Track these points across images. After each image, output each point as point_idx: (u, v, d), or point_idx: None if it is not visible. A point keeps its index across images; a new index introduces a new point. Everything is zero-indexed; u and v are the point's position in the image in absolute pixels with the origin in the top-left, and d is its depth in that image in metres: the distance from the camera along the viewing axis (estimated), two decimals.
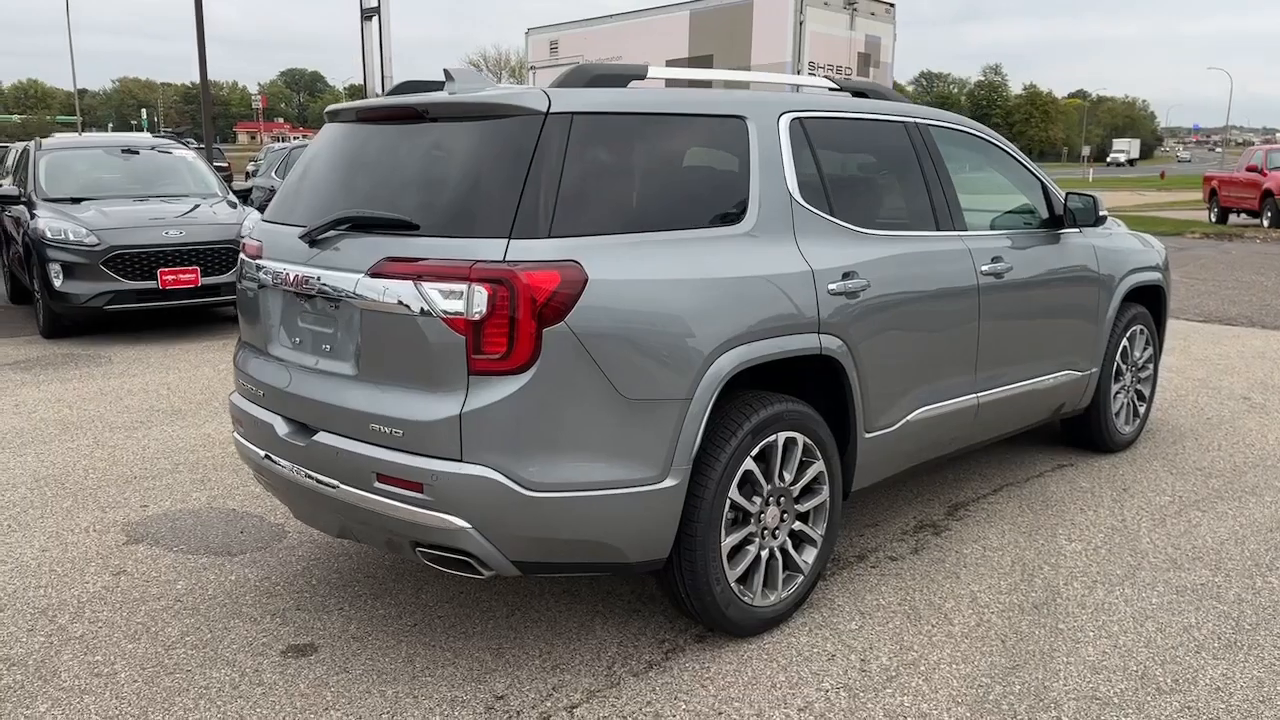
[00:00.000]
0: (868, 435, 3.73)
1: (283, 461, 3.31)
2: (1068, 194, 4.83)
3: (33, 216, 9.02)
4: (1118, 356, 5.30)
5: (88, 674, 3.24)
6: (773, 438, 3.34)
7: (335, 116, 3.62)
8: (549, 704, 3.04)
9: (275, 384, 3.36)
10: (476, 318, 2.78)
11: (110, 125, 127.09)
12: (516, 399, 2.81)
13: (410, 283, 2.87)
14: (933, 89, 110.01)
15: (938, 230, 4.13)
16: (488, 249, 2.81)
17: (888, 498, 4.81)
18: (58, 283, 8.59)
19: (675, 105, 3.33)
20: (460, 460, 2.84)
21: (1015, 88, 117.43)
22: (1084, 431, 5.44)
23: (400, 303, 2.89)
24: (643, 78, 3.44)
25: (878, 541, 4.28)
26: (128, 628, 3.56)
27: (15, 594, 3.84)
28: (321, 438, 3.14)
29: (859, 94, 4.26)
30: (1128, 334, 5.34)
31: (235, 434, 3.70)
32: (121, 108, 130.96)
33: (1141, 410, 5.67)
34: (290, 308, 3.34)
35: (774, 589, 3.46)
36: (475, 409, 2.81)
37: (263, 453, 3.43)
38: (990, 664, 3.26)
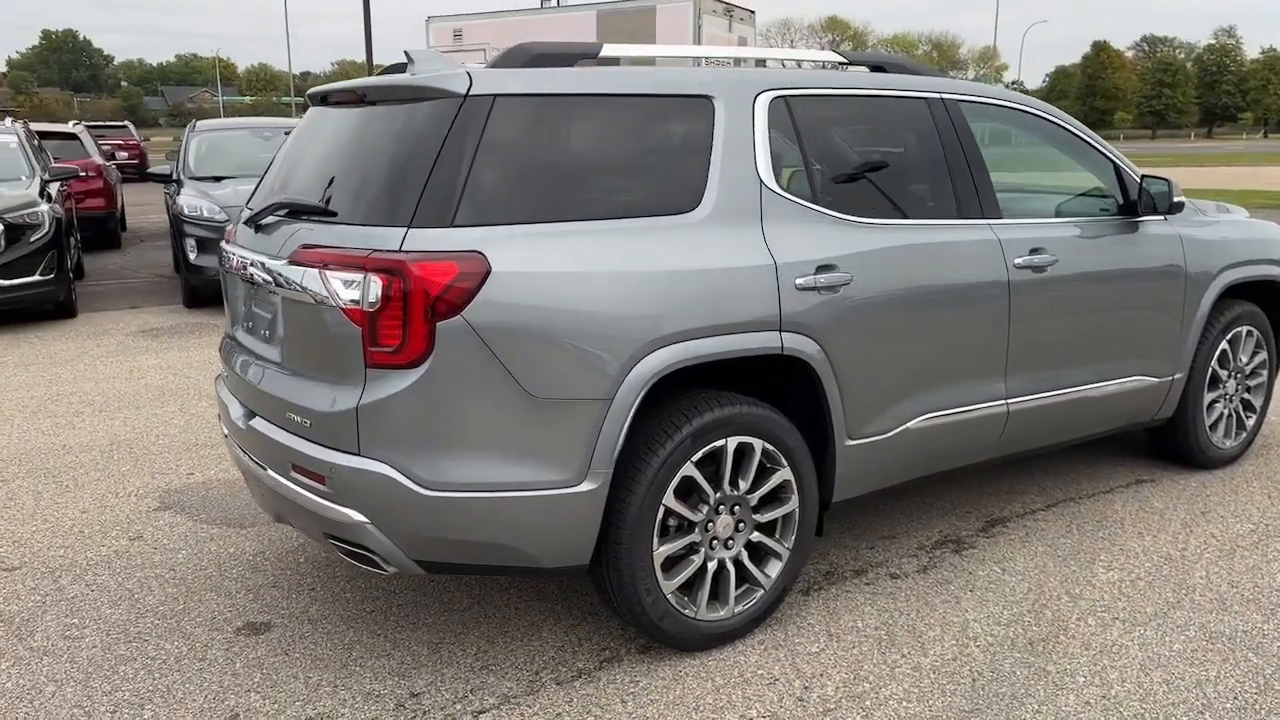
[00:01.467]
0: (851, 442, 3.43)
1: (235, 444, 3.36)
2: (1143, 177, 4.27)
3: (177, 194, 9.67)
4: (1213, 361, 4.68)
5: (58, 636, 3.41)
6: (721, 442, 3.11)
7: (311, 99, 3.62)
8: (459, 706, 2.95)
9: (233, 367, 3.41)
10: (371, 309, 2.70)
11: None
12: (410, 394, 2.72)
13: (317, 271, 2.82)
14: (1156, 53, 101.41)
15: (960, 219, 3.74)
16: (386, 238, 2.73)
17: (918, 508, 4.44)
18: (192, 256, 9.18)
19: (625, 85, 3.13)
20: (358, 454, 2.78)
21: (1251, 51, 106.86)
22: (1171, 444, 4.84)
23: (309, 291, 2.85)
24: (594, 56, 3.25)
25: (885, 556, 3.95)
26: (115, 593, 3.72)
27: (38, 552, 4.10)
28: (255, 423, 3.16)
29: (877, 68, 3.90)
30: (1229, 335, 4.71)
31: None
32: None
33: (1249, 423, 4.99)
34: (245, 293, 3.38)
35: (724, 603, 3.24)
36: (370, 402, 2.74)
37: (225, 433, 3.49)
38: (946, 705, 2.93)
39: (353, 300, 2.73)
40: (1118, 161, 4.34)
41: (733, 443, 3.14)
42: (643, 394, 2.90)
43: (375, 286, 2.69)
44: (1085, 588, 3.66)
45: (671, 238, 3.03)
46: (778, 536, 3.36)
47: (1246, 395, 4.97)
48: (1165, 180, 4.25)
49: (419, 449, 2.75)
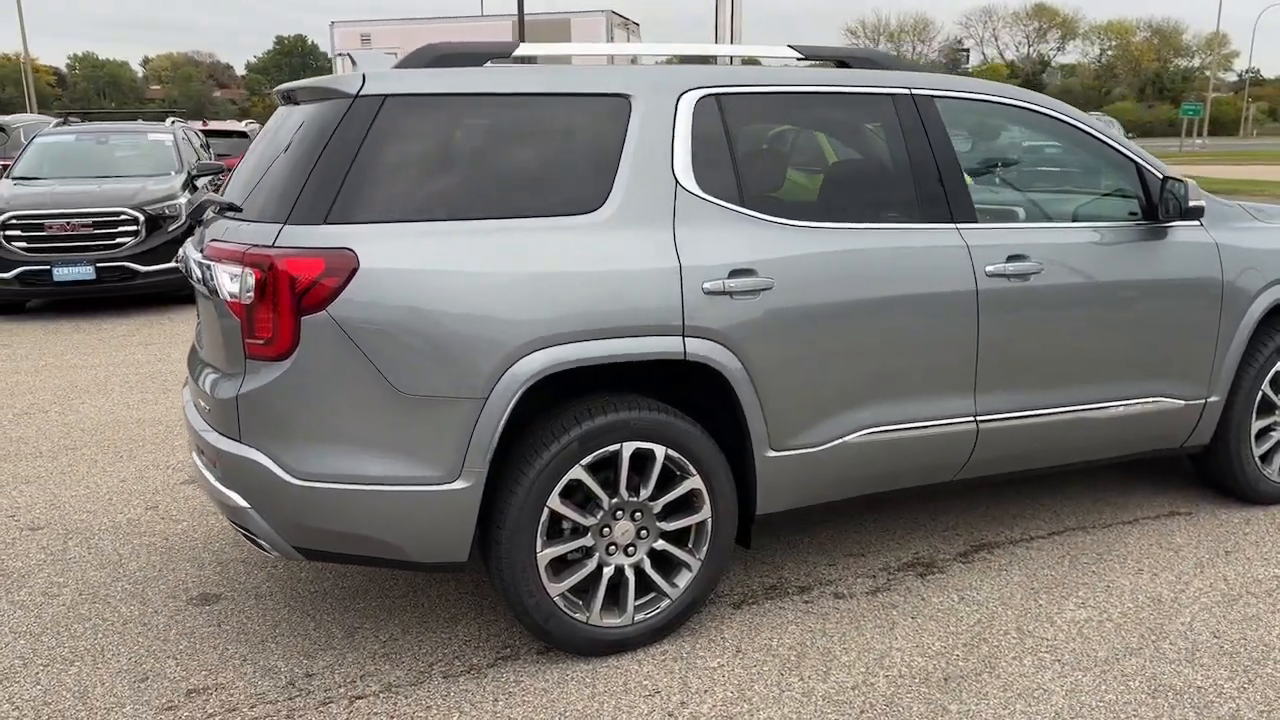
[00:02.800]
0: (775, 454, 3.29)
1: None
2: (1165, 179, 3.87)
3: None
4: (1265, 384, 4.19)
5: (40, 593, 3.73)
6: (615, 447, 3.06)
7: (276, 96, 3.80)
8: (342, 690, 3.05)
9: (190, 357, 3.63)
10: (247, 301, 2.82)
11: None
12: (278, 385, 2.83)
13: (213, 265, 2.97)
14: None
15: (923, 223, 3.51)
16: (264, 234, 2.84)
17: (903, 525, 4.20)
18: None
19: (530, 85, 3.12)
20: (239, 441, 2.91)
21: None
22: (1214, 474, 4.38)
23: (208, 285, 3.01)
24: (507, 56, 3.25)
25: (841, 575, 3.77)
26: (107, 557, 4.04)
27: (65, 516, 4.49)
28: (187, 409, 3.35)
29: (842, 63, 3.71)
30: None
31: None
32: None
33: None
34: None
35: (621, 610, 3.19)
36: (247, 392, 2.87)
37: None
38: None
39: (232, 293, 2.86)
40: (1139, 161, 3.96)
41: (629, 448, 3.08)
42: (518, 395, 2.89)
43: (250, 280, 2.80)
44: (1041, 625, 3.37)
45: (565, 238, 3.00)
46: (690, 546, 3.27)
47: None
48: (1181, 182, 3.83)
49: (289, 439, 2.85)
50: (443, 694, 3.02)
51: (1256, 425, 4.24)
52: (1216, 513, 4.31)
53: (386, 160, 2.91)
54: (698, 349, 3.09)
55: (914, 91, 3.60)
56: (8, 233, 8.98)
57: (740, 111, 3.34)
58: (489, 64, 3.23)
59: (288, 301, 2.77)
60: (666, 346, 3.06)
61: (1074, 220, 4.01)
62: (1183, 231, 3.96)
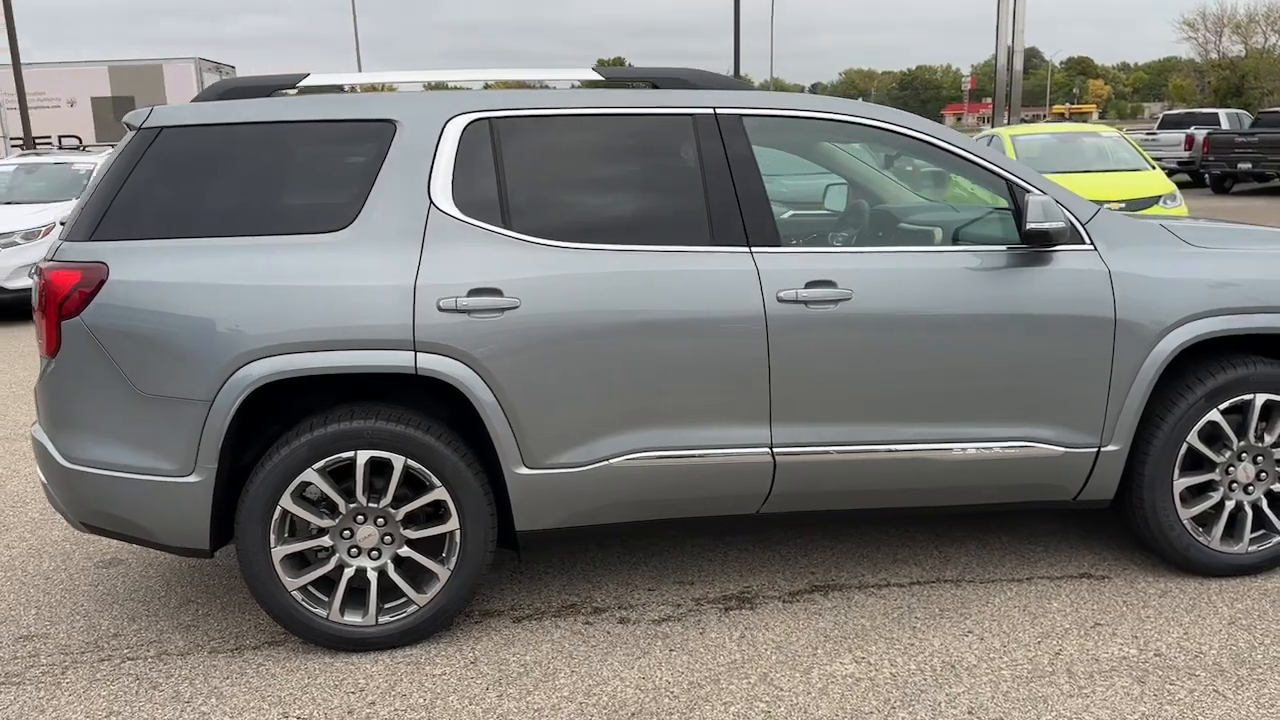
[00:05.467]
0: (529, 471, 3.32)
1: None
2: (1026, 197, 3.43)
3: None
4: (1191, 435, 3.60)
5: (19, 541, 4.45)
6: (350, 455, 3.24)
7: None
8: (126, 651, 3.44)
9: None
10: (38, 307, 3.29)
11: None
12: (50, 380, 3.27)
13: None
14: None
15: (711, 245, 3.39)
16: (53, 249, 3.29)
17: (766, 555, 4.00)
18: None
19: (299, 113, 3.37)
20: (38, 425, 3.40)
21: None
22: (1137, 536, 3.81)
23: None
24: (293, 86, 3.50)
25: (644, 600, 3.69)
26: (42, 524, 4.71)
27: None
28: None
29: (656, 84, 3.62)
30: (1227, 404, 3.59)
31: None
32: (844, 98, 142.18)
33: None
34: None
35: (363, 611, 3.35)
36: (38, 384, 3.34)
37: None
38: None
39: (32, 301, 3.34)
40: (1011, 178, 3.55)
41: (363, 456, 3.25)
42: (241, 399, 3.15)
43: (36, 289, 3.27)
44: (791, 676, 3.15)
45: (304, 255, 3.23)
46: (443, 556, 3.38)
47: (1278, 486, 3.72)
48: (1041, 202, 3.38)
49: (62, 427, 3.29)
50: (200, 666, 3.33)
51: (1183, 482, 3.64)
52: (1135, 580, 3.75)
53: (153, 184, 3.27)
54: (430, 364, 3.20)
55: (718, 111, 3.48)
56: None
57: (514, 135, 3.40)
58: (277, 94, 3.52)
59: (52, 308, 3.20)
60: (396, 361, 3.20)
61: (927, 244, 3.67)
62: (1067, 257, 3.51)
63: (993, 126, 24.19)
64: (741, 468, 3.43)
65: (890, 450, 3.48)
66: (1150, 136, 24.05)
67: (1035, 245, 3.44)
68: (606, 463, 3.35)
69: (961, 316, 3.44)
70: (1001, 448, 3.52)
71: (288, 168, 3.36)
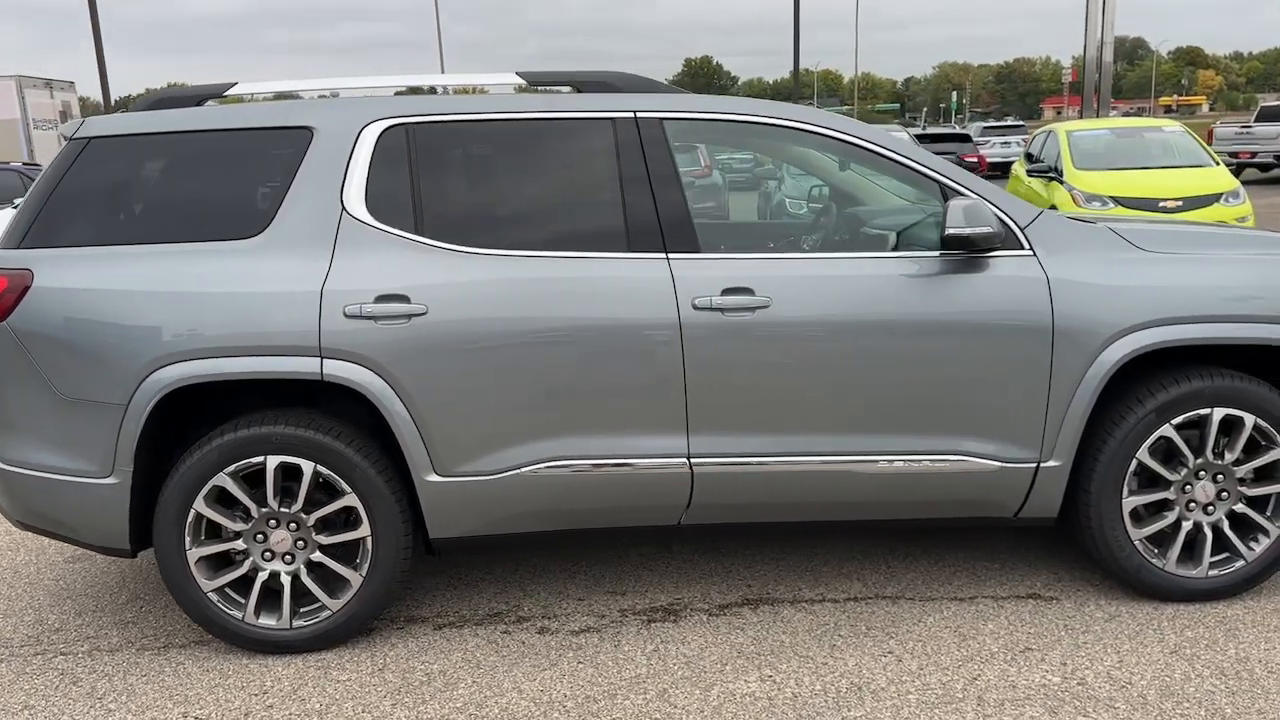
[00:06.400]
0: (440, 479, 3.31)
1: None
2: (948, 205, 3.27)
3: None
4: (1141, 451, 3.40)
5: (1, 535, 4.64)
6: (259, 460, 3.28)
7: None
8: (61, 646, 3.55)
9: None
10: None
11: (924, 110, 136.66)
12: None
13: None
14: None
15: (626, 251, 3.33)
16: None
17: (709, 566, 3.92)
18: None
19: (222, 122, 3.41)
20: None
21: None
22: (1089, 556, 3.62)
23: None
24: (220, 95, 3.55)
25: (571, 610, 3.65)
26: None
27: None
28: None
29: (579, 87, 3.57)
30: (1180, 419, 3.38)
31: None
32: (937, 92, 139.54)
33: (1256, 549, 3.49)
34: None
35: (276, 614, 3.39)
36: None
37: None
38: None
39: None
40: (942, 179, 3.41)
41: (273, 461, 3.29)
42: (154, 403, 3.21)
43: None
44: (691, 693, 3.08)
45: (217, 261, 3.28)
46: (356, 561, 3.39)
47: (1244, 508, 3.49)
48: (964, 206, 3.23)
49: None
50: (124, 663, 3.41)
51: (1133, 501, 3.44)
52: (1085, 603, 3.56)
53: (80, 192, 3.36)
54: (336, 370, 3.22)
55: (638, 114, 3.42)
56: None
57: (431, 141, 3.40)
58: (208, 103, 3.57)
59: None
60: (302, 367, 3.22)
61: (857, 249, 3.55)
62: (1004, 263, 3.35)
63: (1082, 120, 23.39)
64: (658, 478, 3.37)
65: (812, 462, 3.37)
66: (1245, 130, 22.93)
67: (955, 251, 3.30)
68: (519, 471, 3.32)
69: (886, 324, 3.31)
70: (931, 461, 3.38)
71: (208, 175, 3.42)
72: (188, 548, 3.32)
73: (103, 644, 3.55)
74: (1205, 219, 9.78)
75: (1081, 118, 27.74)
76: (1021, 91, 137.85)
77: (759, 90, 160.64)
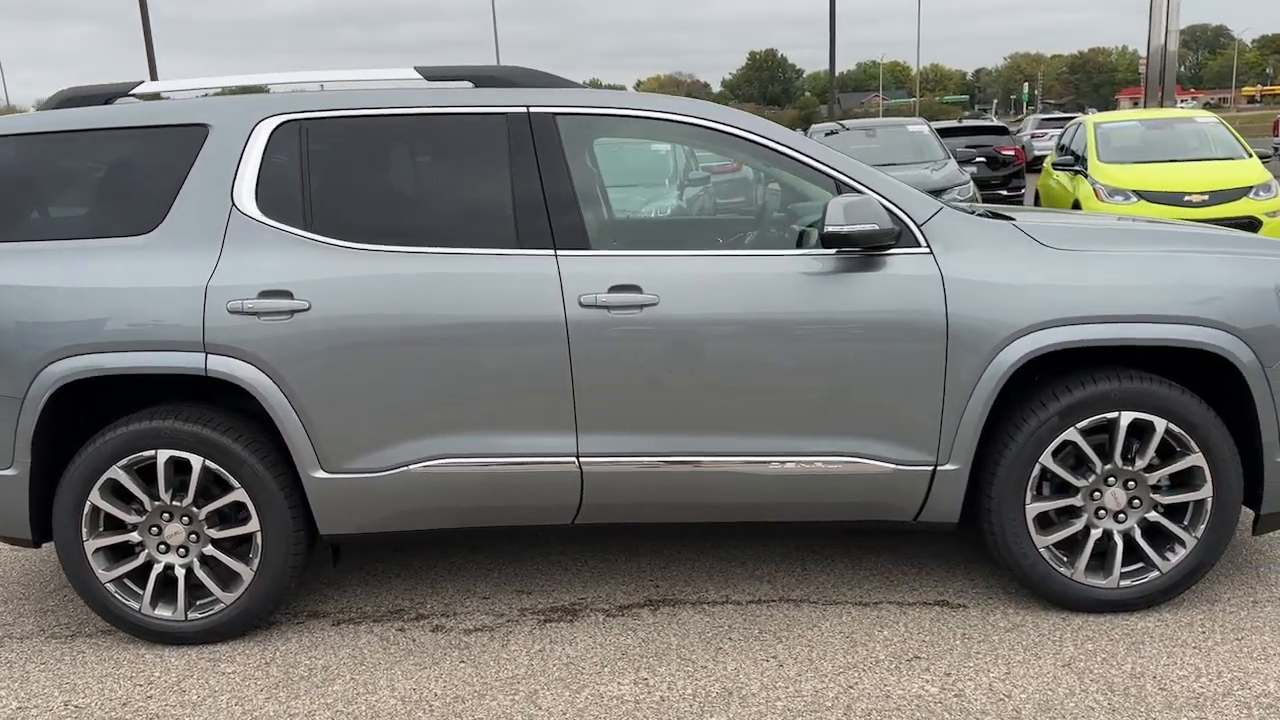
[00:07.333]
0: (326, 475, 3.33)
1: None
2: (828, 202, 3.18)
3: None
4: (1047, 456, 3.27)
5: None
6: (150, 453, 3.33)
7: None
8: None
9: None
10: None
11: (994, 102, 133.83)
12: None
13: None
14: None
15: (515, 248, 3.31)
16: None
17: (609, 567, 3.88)
18: None
19: (121, 120, 3.46)
20: None
21: None
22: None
23: None
24: (126, 94, 3.59)
25: (474, 608, 3.64)
26: None
27: None
28: None
29: (477, 82, 3.53)
30: (1086, 422, 3.25)
31: None
32: (1009, 84, 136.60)
33: (1172, 559, 3.34)
34: None
35: (171, 606, 3.43)
36: None
37: None
38: None
39: None
40: (840, 176, 3.31)
41: (164, 455, 3.33)
42: (48, 396, 3.27)
43: None
44: (560, 695, 3.05)
45: (110, 258, 3.33)
46: (250, 556, 3.42)
47: (1158, 517, 3.34)
48: (845, 203, 3.13)
49: None
50: (28, 650, 3.50)
51: (1037, 507, 3.32)
52: (992, 611, 3.44)
53: None
54: (221, 366, 3.25)
55: (531, 110, 3.39)
56: None
57: (323, 136, 3.40)
58: (118, 101, 3.62)
59: None
60: (187, 362, 3.26)
61: (753, 247, 3.48)
62: (899, 261, 3.25)
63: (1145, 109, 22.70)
64: (548, 477, 3.34)
65: (704, 463, 3.31)
66: None
67: (834, 249, 3.21)
68: (407, 469, 3.32)
69: (777, 323, 3.24)
70: (824, 463, 3.30)
71: (106, 173, 3.47)
72: (85, 539, 3.39)
73: (15, 631, 3.64)
74: (1234, 213, 9.44)
75: (1145, 108, 26.90)
76: (1096, 82, 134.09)
77: (825, 83, 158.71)
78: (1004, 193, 14.91)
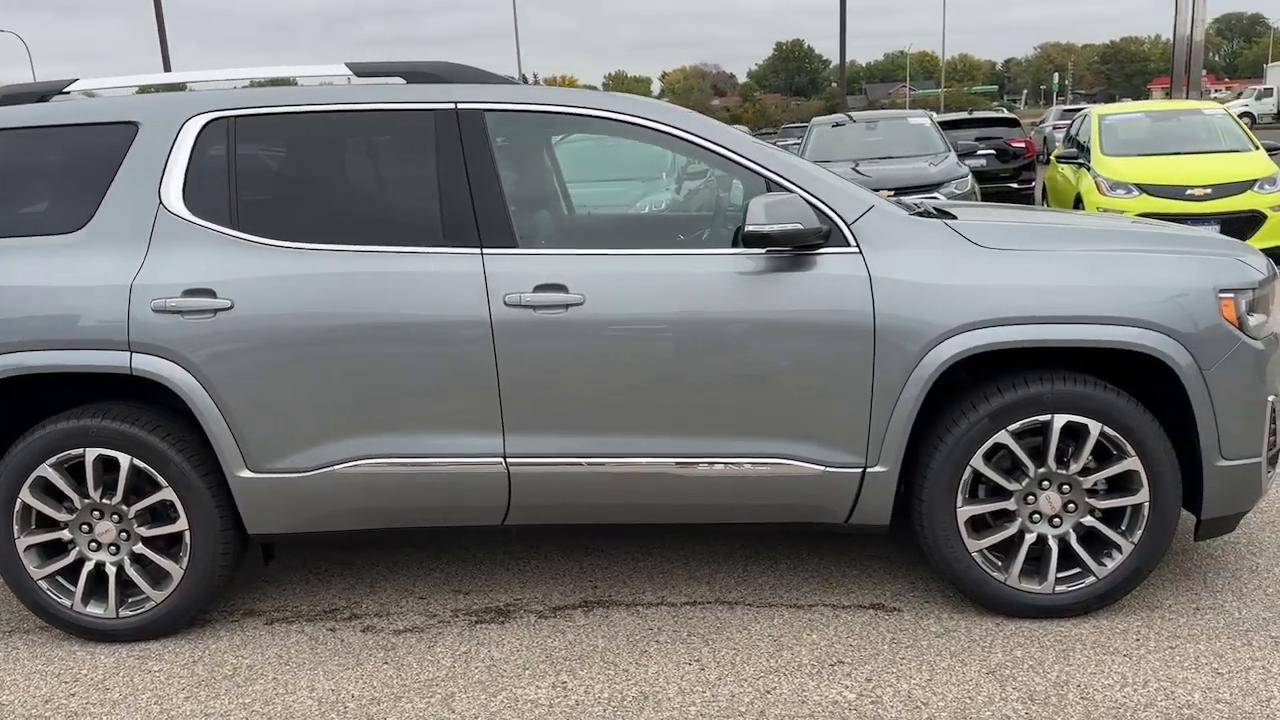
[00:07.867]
0: (251, 474, 3.32)
1: None
2: (749, 201, 3.13)
3: None
4: (978, 459, 3.21)
5: None
6: (79, 452, 3.34)
7: None
8: None
9: None
10: None
11: (1024, 92, 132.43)
12: None
13: None
14: None
15: (440, 246, 3.28)
16: None
17: (566, 567, 3.85)
18: None
19: (52, 118, 3.46)
20: None
21: None
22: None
23: None
24: (63, 91, 3.59)
25: (409, 609, 3.63)
26: None
27: None
28: None
29: (408, 78, 3.50)
30: (1018, 425, 3.18)
31: None
32: (1038, 74, 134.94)
33: (1108, 565, 3.27)
34: None
35: (103, 603, 3.45)
36: None
37: None
38: None
39: None
40: (769, 174, 3.26)
41: (92, 454, 3.34)
42: None
43: None
44: (476, 698, 3.03)
45: (41, 256, 3.34)
46: (180, 555, 3.43)
47: (1094, 522, 3.27)
48: (766, 202, 3.08)
49: None
50: None
51: (969, 510, 3.26)
52: (925, 616, 3.38)
53: None
54: (145, 365, 3.25)
55: (459, 106, 3.36)
56: None
57: (251, 134, 3.39)
58: (54, 99, 3.62)
59: None
60: (111, 361, 3.26)
61: (682, 246, 3.43)
62: (827, 261, 3.20)
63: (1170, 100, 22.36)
64: (475, 478, 3.32)
65: (632, 464, 3.28)
66: None
67: (757, 249, 3.16)
68: (332, 469, 3.31)
69: (704, 323, 3.19)
70: (752, 464, 3.25)
71: (36, 171, 3.48)
72: (17, 536, 3.40)
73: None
74: (1237, 207, 9.27)
75: (1170, 99, 26.49)
76: (1128, 72, 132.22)
77: (852, 73, 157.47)
78: (1014, 185, 14.69)
